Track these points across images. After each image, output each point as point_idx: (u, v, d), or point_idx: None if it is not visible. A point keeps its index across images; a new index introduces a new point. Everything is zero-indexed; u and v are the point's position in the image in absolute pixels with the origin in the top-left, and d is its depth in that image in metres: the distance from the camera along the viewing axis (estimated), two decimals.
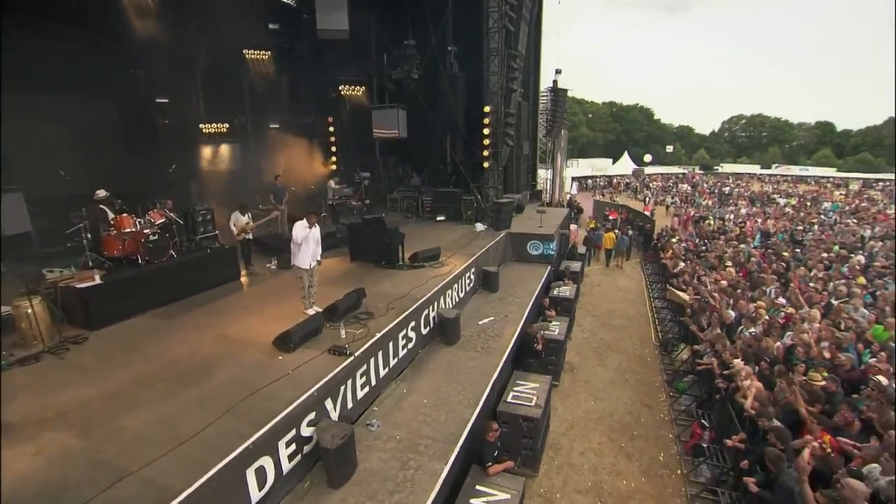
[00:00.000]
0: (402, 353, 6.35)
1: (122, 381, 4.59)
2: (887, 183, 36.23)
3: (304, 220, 6.08)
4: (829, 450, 4.77)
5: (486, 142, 13.07)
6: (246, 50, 13.14)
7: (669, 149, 66.62)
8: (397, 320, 6.15)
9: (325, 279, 8.04)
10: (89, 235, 6.56)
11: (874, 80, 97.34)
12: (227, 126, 13.24)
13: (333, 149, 14.35)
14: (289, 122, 13.68)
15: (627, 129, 71.34)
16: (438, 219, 13.75)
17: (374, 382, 5.55)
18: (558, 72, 18.24)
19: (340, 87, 13.80)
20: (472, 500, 4.24)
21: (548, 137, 20.28)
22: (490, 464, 4.65)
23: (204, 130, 12.95)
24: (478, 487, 4.43)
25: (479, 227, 12.83)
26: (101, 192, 7.03)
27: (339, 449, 4.04)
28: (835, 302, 8.82)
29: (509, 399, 6.10)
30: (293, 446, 4.08)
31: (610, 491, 5.75)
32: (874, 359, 6.61)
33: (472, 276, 9.68)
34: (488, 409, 5.78)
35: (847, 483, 3.93)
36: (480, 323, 8.26)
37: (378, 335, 5.63)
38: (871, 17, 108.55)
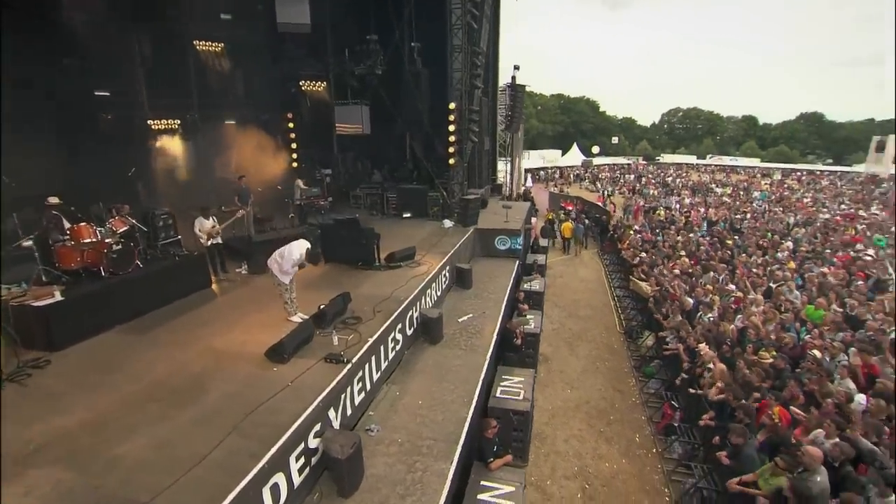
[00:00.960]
0: (391, 355, 6.38)
1: (104, 406, 4.31)
2: (801, 174, 40.05)
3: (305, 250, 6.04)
4: (779, 421, 5.39)
5: (452, 138, 13.17)
6: (196, 41, 12.42)
7: (615, 140, 69.76)
8: (387, 324, 6.17)
9: (301, 283, 7.82)
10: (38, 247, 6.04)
11: (788, 77, 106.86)
12: (179, 122, 12.46)
13: (294, 146, 13.86)
14: (246, 118, 13.06)
15: (575, 120, 73.60)
16: (405, 216, 13.72)
17: (368, 387, 5.56)
18: (517, 68, 18.61)
19: (301, 83, 13.32)
20: (479, 497, 4.41)
21: (507, 132, 20.67)
22: (491, 459, 4.84)
23: (153, 127, 12.12)
24: (483, 483, 4.61)
25: (447, 223, 12.94)
26: (53, 199, 6.49)
27: (349, 458, 4.05)
28: (773, 285, 9.80)
29: (498, 394, 6.34)
30: (302, 459, 4.05)
31: (595, 474, 6.15)
32: (809, 336, 7.49)
33: (447, 274, 9.80)
34: (480, 406, 5.96)
35: (806, 450, 4.46)
36: (460, 320, 8.41)
37: (371, 340, 5.64)
38: (790, 17, 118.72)
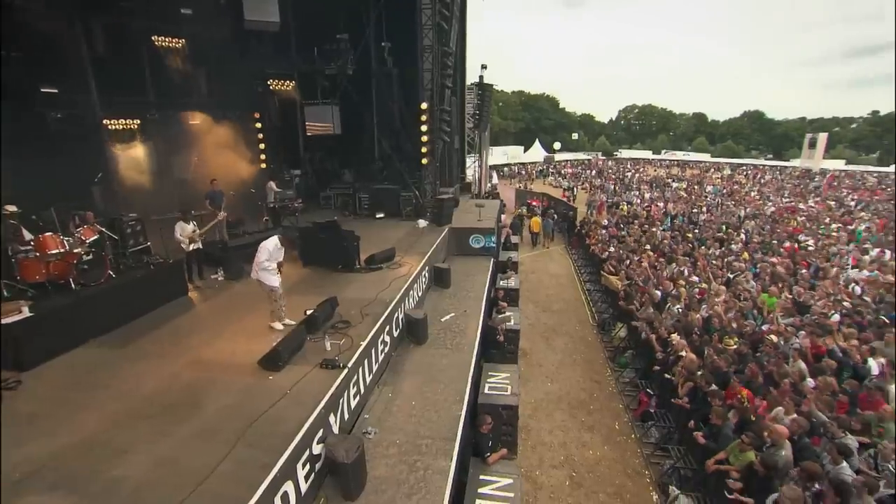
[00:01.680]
0: (380, 357, 6.44)
1: (93, 426, 4.15)
2: (748, 168, 42.76)
3: (279, 244, 5.98)
4: (747, 402, 5.89)
5: (425, 138, 13.24)
6: (155, 36, 11.85)
7: (575, 136, 71.78)
8: (376, 326, 6.22)
9: (285, 287, 7.72)
10: None
11: (733, 77, 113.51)
12: (139, 122, 11.87)
13: (262, 146, 13.50)
14: (211, 117, 12.58)
15: (536, 117, 74.86)
16: (378, 216, 13.68)
17: (362, 391, 5.62)
18: (484, 67, 18.85)
19: (269, 82, 12.97)
20: (480, 490, 4.58)
21: (475, 131, 20.92)
22: (488, 454, 5.02)
23: (110, 127, 11.50)
24: (482, 477, 4.79)
25: (422, 223, 13.02)
26: (11, 207, 6.09)
27: (354, 462, 4.12)
28: (731, 276, 10.54)
29: (486, 391, 6.53)
30: (308, 466, 4.07)
31: (580, 462, 6.47)
32: (767, 325, 8.15)
33: (427, 274, 9.91)
34: (471, 403, 6.13)
35: (774, 429, 4.92)
36: (443, 320, 8.54)
37: (363, 344, 5.68)
38: (733, 20, 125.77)
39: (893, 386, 5.99)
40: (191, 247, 7.92)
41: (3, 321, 5.02)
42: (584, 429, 7.21)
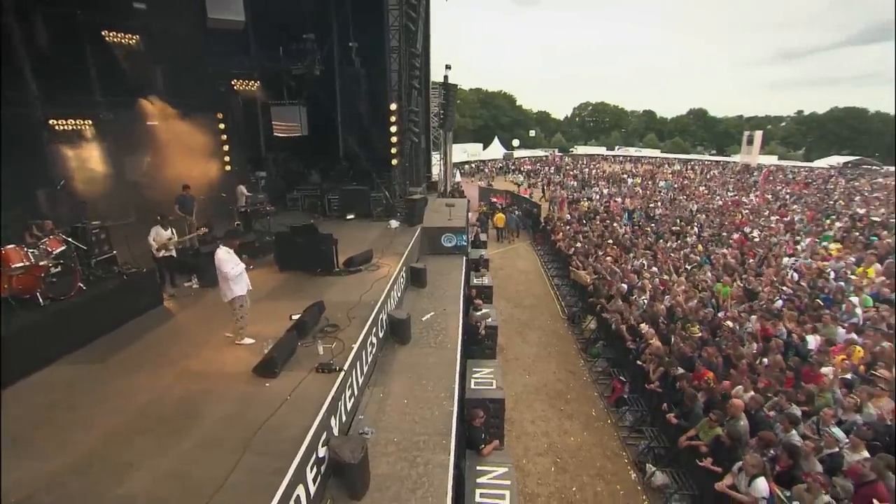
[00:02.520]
0: (369, 359, 6.54)
1: (87, 445, 4.03)
2: (695, 163, 45.45)
3: (227, 248, 5.68)
4: (712, 383, 6.47)
5: (395, 139, 13.31)
6: (106, 31, 11.21)
7: (532, 133, 73.37)
8: (365, 329, 6.32)
9: (263, 294, 7.76)
10: None
11: (679, 76, 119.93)
12: (90, 122, 11.20)
13: (226, 147, 13.09)
14: (171, 118, 12.05)
15: (494, 114, 75.58)
16: (348, 217, 13.62)
17: (356, 392, 5.71)
18: (448, 67, 19.04)
19: (232, 81, 12.57)
20: (479, 480, 4.83)
21: (440, 130, 21.11)
22: (483, 446, 5.28)
23: (57, 128, 10.78)
24: (478, 468, 5.04)
25: (394, 223, 13.09)
26: None
27: (360, 462, 4.24)
28: (688, 267, 11.36)
29: (472, 386, 6.79)
30: (315, 469, 4.15)
31: (562, 448, 6.86)
32: (722, 313, 8.90)
33: (404, 275, 10.03)
34: (460, 399, 6.36)
35: (732, 403, 5.47)
36: (424, 319, 8.71)
37: (355, 347, 5.77)
38: (676, 22, 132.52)
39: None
40: (161, 253, 7.68)
41: None
42: (564, 417, 7.62)
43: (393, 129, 13.08)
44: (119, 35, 11.40)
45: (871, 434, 5.28)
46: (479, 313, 8.95)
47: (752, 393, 6.08)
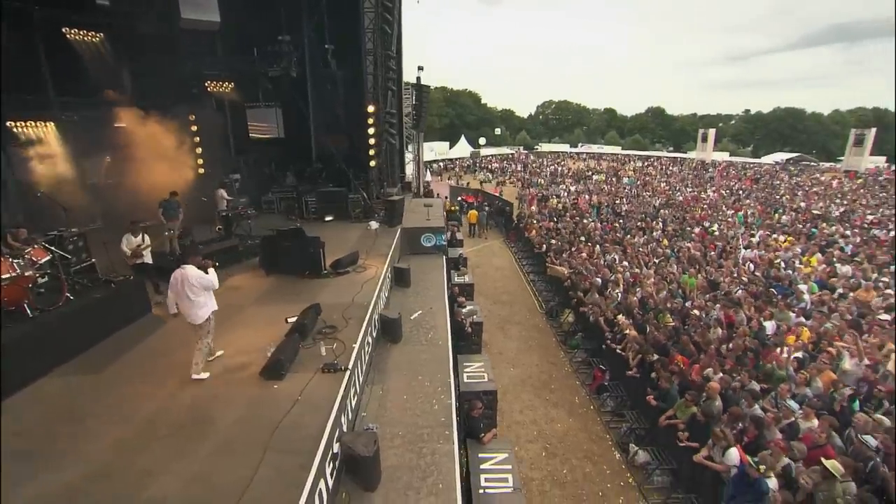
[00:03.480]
0: (366, 358, 6.73)
1: (101, 454, 4.06)
2: (655, 160, 47.55)
3: (192, 267, 5.07)
4: (686, 368, 7.07)
5: (372, 140, 13.42)
6: (66, 28, 10.75)
7: (497, 131, 74.34)
8: (363, 328, 6.51)
9: (254, 298, 7.81)
10: None
11: (637, 75, 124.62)
12: (53, 124, 10.72)
13: (199, 150, 12.78)
14: (140, 120, 11.64)
15: (459, 112, 75.92)
16: (327, 219, 13.61)
17: (359, 390, 5.90)
18: (420, 69, 19.15)
19: (206, 83, 12.29)
20: (482, 466, 5.15)
21: (414, 130, 21.24)
22: (483, 434, 5.60)
23: (16, 130, 10.27)
24: (480, 455, 5.36)
25: (374, 224, 13.17)
26: None
27: (374, 455, 4.47)
28: (656, 261, 12.10)
29: (465, 380, 7.10)
30: (331, 464, 4.34)
31: (551, 434, 7.30)
32: (689, 302, 9.60)
33: (390, 275, 10.22)
34: (457, 392, 6.66)
35: (709, 385, 6.04)
36: (412, 318, 8.95)
37: (356, 346, 5.96)
38: (633, 23, 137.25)
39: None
40: (135, 261, 7.55)
41: None
42: (550, 405, 8.07)
43: (371, 130, 13.18)
44: (81, 33, 10.96)
45: (819, 404, 5.99)
46: (465, 310, 9.26)
47: (721, 374, 6.70)
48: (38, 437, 4.33)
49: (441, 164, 49.22)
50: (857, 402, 5.99)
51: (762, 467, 4.66)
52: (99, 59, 11.16)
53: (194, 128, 12.65)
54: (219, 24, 10.22)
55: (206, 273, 5.13)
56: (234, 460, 3.97)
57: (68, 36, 10.81)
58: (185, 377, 5.29)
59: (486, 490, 4.94)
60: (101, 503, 3.54)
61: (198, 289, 5.04)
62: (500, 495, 4.89)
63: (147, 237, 7.76)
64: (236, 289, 8.30)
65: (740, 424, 5.65)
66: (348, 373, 5.32)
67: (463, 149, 57.56)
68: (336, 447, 4.57)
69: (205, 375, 5.19)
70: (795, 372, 6.83)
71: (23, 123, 10.33)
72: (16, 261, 5.57)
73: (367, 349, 6.79)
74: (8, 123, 10.09)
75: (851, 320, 8.10)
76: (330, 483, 4.28)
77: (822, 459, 4.73)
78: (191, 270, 5.04)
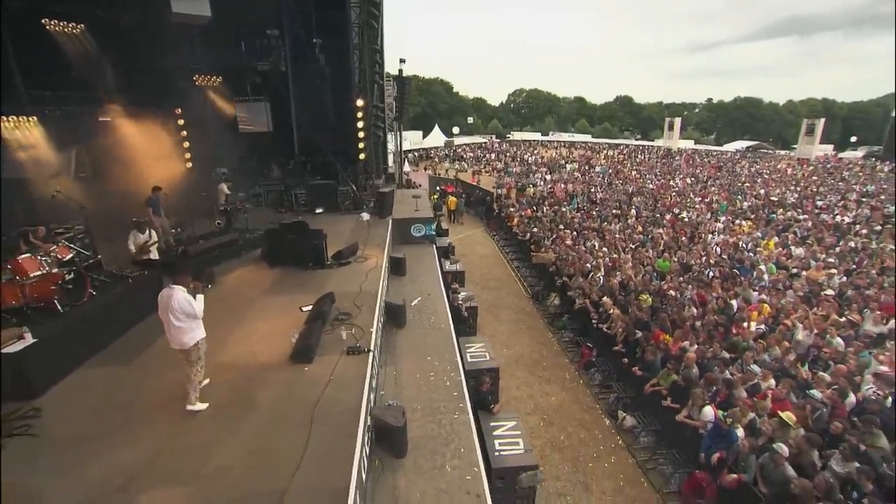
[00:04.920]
0: (379, 342, 7.23)
1: (157, 434, 4.42)
2: (624, 148, 49.16)
3: (182, 290, 4.69)
4: (669, 341, 7.90)
5: (361, 134, 13.69)
6: (45, 19, 10.52)
7: (470, 120, 74.59)
8: (376, 314, 6.99)
9: (266, 289, 8.16)
10: None
11: (606, 64, 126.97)
12: (36, 118, 10.52)
13: (186, 144, 12.75)
14: (124, 113, 11.54)
15: (432, 101, 75.46)
16: (317, 211, 13.86)
17: (376, 371, 6.41)
18: (402, 61, 19.33)
19: (194, 77, 12.22)
20: (495, 433, 5.78)
21: (396, 122, 21.47)
22: (492, 406, 6.23)
23: None
24: (492, 424, 6.00)
25: (365, 216, 13.56)
26: None
27: (403, 425, 5.01)
28: (633, 246, 13.01)
29: (469, 359, 7.71)
30: (367, 434, 4.87)
31: (546, 407, 8.03)
32: (664, 283, 10.49)
33: (387, 264, 10.68)
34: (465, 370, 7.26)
35: (687, 356, 6.87)
36: (413, 304, 9.46)
37: (373, 331, 6.45)
38: (598, 11, 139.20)
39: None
40: (142, 257, 7.76)
41: (8, 350, 4.87)
42: (543, 381, 8.80)
43: (360, 124, 13.45)
44: (61, 24, 10.74)
45: (777, 366, 6.93)
46: (461, 295, 9.85)
47: (696, 346, 7.57)
48: (91, 423, 4.65)
49: (416, 153, 49.20)
50: (807, 364, 6.94)
51: (729, 420, 5.50)
52: (81, 51, 10.95)
53: (181, 122, 12.62)
54: (208, 19, 10.23)
55: (195, 298, 4.74)
56: (283, 434, 4.44)
57: (48, 27, 10.57)
58: (216, 364, 5.63)
59: (501, 453, 5.58)
60: (174, 474, 3.95)
61: (181, 315, 4.66)
62: (513, 456, 5.54)
63: (154, 234, 7.95)
64: (246, 281, 8.60)
65: (714, 387, 6.50)
66: (371, 354, 5.82)
67: (437, 138, 57.53)
68: (369, 420, 5.09)
69: (201, 406, 4.79)
70: (755, 342, 7.76)
71: (5, 118, 10.10)
72: (43, 259, 5.76)
73: (378, 333, 7.28)
74: None
75: (803, 296, 9.16)
76: (367, 451, 4.81)
77: (779, 412, 5.61)
78: (177, 293, 4.64)
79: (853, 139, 51.78)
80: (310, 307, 7.08)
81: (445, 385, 6.48)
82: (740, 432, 5.56)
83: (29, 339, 5.04)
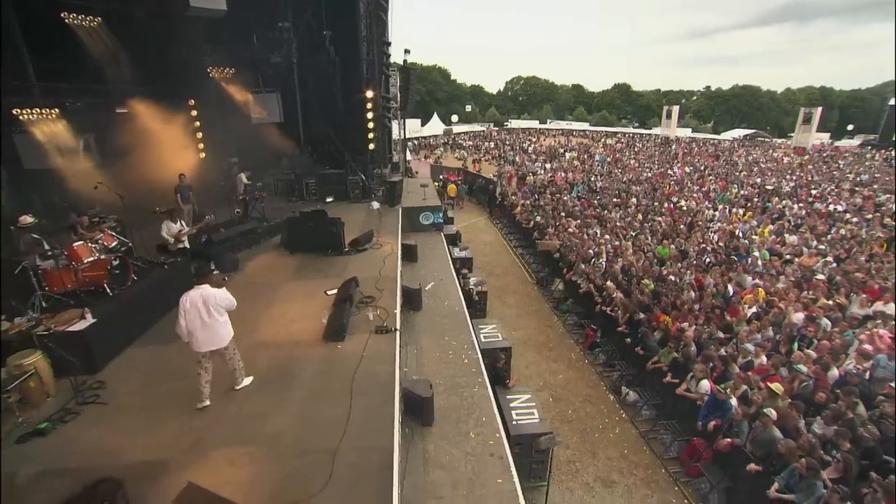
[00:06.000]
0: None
1: (211, 404, 4.92)
2: (622, 136, 49.41)
3: (208, 287, 4.80)
4: (669, 322, 8.44)
5: (371, 125, 14.05)
6: (65, 12, 10.75)
7: (468, 108, 74.35)
8: (398, 297, 7.49)
9: (290, 274, 8.58)
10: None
11: (604, 52, 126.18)
12: (58, 111, 10.82)
13: (199, 135, 13.07)
14: (140, 104, 11.80)
15: (430, 89, 74.94)
16: (328, 200, 14.25)
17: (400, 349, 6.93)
18: (407, 51, 19.52)
19: (207, 69, 12.49)
20: (511, 404, 6.34)
21: (402, 112, 21.71)
22: (508, 381, 6.78)
23: (23, 117, 10.35)
24: (508, 397, 6.54)
25: (375, 204, 13.98)
26: (28, 218, 6.03)
27: (431, 396, 5.54)
28: (633, 234, 13.52)
29: (483, 339, 8.23)
30: (399, 404, 5.40)
31: (554, 384, 8.60)
32: (664, 269, 11.02)
33: (400, 251, 11.16)
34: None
35: (685, 334, 7.42)
36: (427, 289, 9.96)
37: (397, 312, 6.96)
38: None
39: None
40: (178, 246, 8.19)
41: (73, 329, 5.34)
42: (550, 361, 9.37)
43: (370, 115, 13.80)
44: (79, 17, 10.97)
45: (769, 345, 7.50)
46: (472, 280, 10.35)
47: (695, 326, 8.13)
48: (150, 394, 5.17)
49: (415, 141, 49.23)
50: (796, 343, 7.50)
51: (727, 390, 6.07)
52: (98, 44, 11.21)
53: (194, 112, 12.91)
54: (224, 12, 10.50)
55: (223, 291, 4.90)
56: (326, 403, 4.96)
57: (67, 20, 10.81)
58: (255, 343, 6.13)
59: (518, 422, 6.13)
60: (235, 437, 4.47)
61: (224, 309, 4.85)
62: (529, 425, 6.10)
63: (185, 223, 8.36)
64: (269, 267, 9.07)
65: (711, 364, 7.06)
66: (398, 333, 6.33)
67: (435, 126, 57.48)
68: (400, 391, 5.61)
69: (248, 381, 5.19)
70: (748, 323, 8.31)
71: (29, 111, 10.39)
72: (93, 245, 6.19)
73: (398, 314, 7.79)
74: (14, 111, 10.16)
75: (795, 281, 9.72)
76: (399, 420, 5.34)
77: (769, 383, 6.18)
78: (210, 291, 4.77)
79: (850, 128, 52.27)
80: (334, 291, 7.56)
81: (464, 362, 7.01)
82: (734, 402, 6.14)
83: (90, 319, 5.51)
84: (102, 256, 6.21)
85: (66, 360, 5.17)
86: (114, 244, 6.55)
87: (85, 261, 5.94)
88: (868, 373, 6.42)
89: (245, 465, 4.13)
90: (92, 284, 6.12)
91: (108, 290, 6.16)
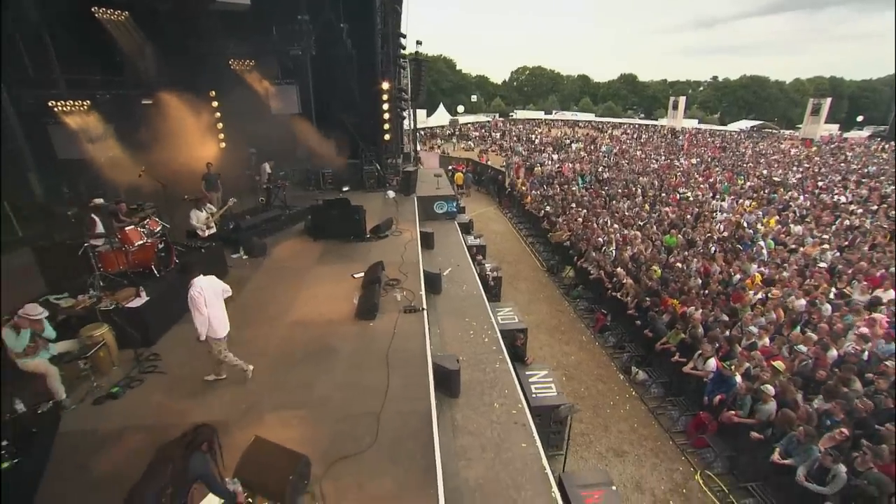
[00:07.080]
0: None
1: (259, 375, 5.32)
2: (628, 127, 49.35)
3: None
4: (678, 307, 8.86)
5: (386, 116, 14.39)
6: (95, 7, 11.11)
7: (474, 98, 74.14)
8: (422, 280, 7.94)
9: (316, 259, 9.02)
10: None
11: (611, 42, 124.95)
12: (89, 103, 11.23)
13: (220, 125, 13.47)
14: (165, 97, 12.20)
15: (435, 79, 74.49)
16: (344, 189, 14.66)
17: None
18: (419, 43, 19.73)
19: (229, 61, 12.85)
20: (531, 380, 6.80)
21: (413, 103, 22.00)
22: (527, 358, 7.25)
23: (57, 109, 10.77)
24: (527, 373, 7.01)
25: (391, 194, 14.39)
26: (98, 200, 6.51)
27: (458, 370, 6.01)
28: (641, 223, 13.89)
29: (500, 321, 8.68)
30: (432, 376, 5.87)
31: (567, 364, 9.06)
32: (672, 257, 11.41)
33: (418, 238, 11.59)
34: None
35: (693, 316, 7.85)
36: (445, 274, 10.40)
37: (422, 293, 7.41)
38: None
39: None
40: (206, 232, 8.65)
41: (131, 305, 5.83)
42: (562, 343, 9.82)
43: (385, 106, 14.15)
44: (109, 12, 11.32)
45: (772, 329, 7.92)
46: (488, 266, 10.79)
47: (702, 310, 8.56)
48: (201, 365, 5.59)
49: (423, 132, 49.37)
50: (799, 326, 7.91)
51: (732, 367, 6.51)
52: (126, 37, 11.57)
53: (215, 104, 13.31)
54: (247, 5, 10.84)
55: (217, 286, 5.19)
56: (366, 374, 5.43)
57: (97, 15, 11.17)
58: (291, 321, 6.62)
59: (537, 395, 6.60)
60: (284, 402, 4.94)
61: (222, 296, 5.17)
62: (548, 398, 6.57)
63: (212, 210, 8.80)
64: (295, 252, 9.53)
65: (717, 343, 7.50)
66: (425, 313, 6.79)
67: (441, 116, 57.51)
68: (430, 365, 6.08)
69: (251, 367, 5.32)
70: (752, 308, 8.72)
71: (63, 103, 10.80)
72: (141, 230, 6.66)
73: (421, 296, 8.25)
74: (49, 103, 10.58)
75: (798, 269, 10.09)
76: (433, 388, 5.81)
77: (771, 362, 6.62)
78: (211, 279, 5.11)
79: (859, 118, 51.95)
80: (361, 274, 8.01)
81: (484, 341, 7.48)
82: (738, 378, 6.59)
83: (144, 297, 6.00)
84: (149, 240, 6.66)
85: (128, 333, 5.67)
86: (158, 229, 6.99)
87: (136, 244, 6.40)
88: (866, 353, 6.83)
89: (297, 426, 4.61)
90: (141, 266, 6.59)
91: (156, 272, 6.62)
